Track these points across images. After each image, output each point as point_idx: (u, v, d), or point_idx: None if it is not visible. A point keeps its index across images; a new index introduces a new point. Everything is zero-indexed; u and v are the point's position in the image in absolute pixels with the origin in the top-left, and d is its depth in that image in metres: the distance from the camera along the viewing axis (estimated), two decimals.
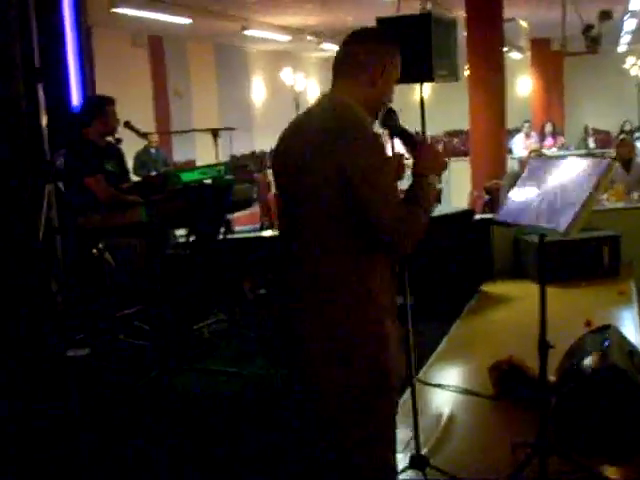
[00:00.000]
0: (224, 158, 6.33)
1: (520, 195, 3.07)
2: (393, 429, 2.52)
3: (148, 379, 4.91)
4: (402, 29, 6.07)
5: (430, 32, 5.81)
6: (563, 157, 3.27)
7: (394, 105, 2.63)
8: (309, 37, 15.58)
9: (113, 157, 5.68)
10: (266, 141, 17.44)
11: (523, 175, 3.18)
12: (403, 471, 3.25)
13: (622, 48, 19.66)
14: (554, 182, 2.90)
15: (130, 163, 6.66)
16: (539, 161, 3.90)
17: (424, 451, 3.41)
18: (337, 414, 2.43)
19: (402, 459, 3.32)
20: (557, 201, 2.78)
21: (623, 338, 3.84)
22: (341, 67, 2.54)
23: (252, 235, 8.20)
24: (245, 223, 9.97)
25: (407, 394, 3.60)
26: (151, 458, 4.01)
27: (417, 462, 3.32)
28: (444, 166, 2.53)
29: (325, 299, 2.37)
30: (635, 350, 3.79)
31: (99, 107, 5.60)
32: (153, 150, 10.98)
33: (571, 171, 2.82)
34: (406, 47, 6.72)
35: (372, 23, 6.91)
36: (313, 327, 2.38)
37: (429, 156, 2.50)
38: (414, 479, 3.31)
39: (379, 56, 2.48)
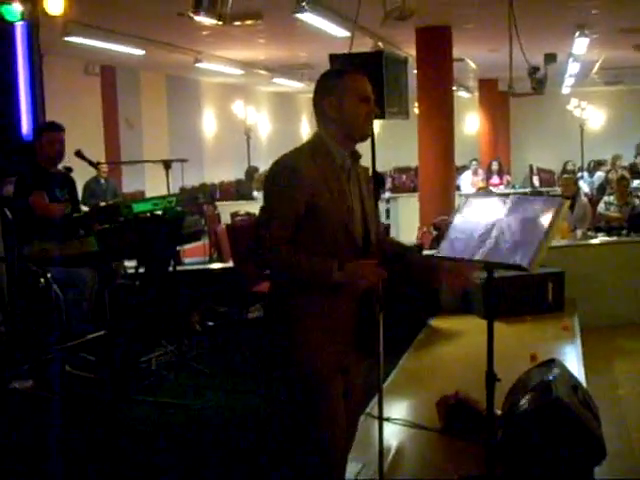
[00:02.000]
0: (174, 190, 6.31)
1: (464, 231, 3.08)
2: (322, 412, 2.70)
3: (95, 411, 4.84)
4: (354, 66, 6.22)
5: (382, 69, 5.91)
6: (508, 195, 3.33)
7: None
8: (261, 71, 15.68)
9: (65, 185, 5.63)
10: (216, 173, 17.44)
11: (466, 210, 3.19)
12: None
13: (566, 90, 20.19)
14: (505, 219, 2.95)
15: (79, 193, 6.60)
16: (483, 198, 3.97)
17: None
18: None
19: None
20: (513, 238, 2.84)
21: (567, 372, 3.92)
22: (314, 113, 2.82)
23: (201, 267, 8.18)
24: (194, 255, 9.92)
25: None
26: None
27: None
28: (364, 281, 2.63)
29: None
30: (579, 384, 3.87)
31: (38, 133, 5.59)
32: (103, 180, 10.90)
33: (524, 209, 2.89)
34: None
35: (325, 59, 6.97)
36: None
37: (357, 273, 2.62)
38: None
39: (328, 92, 2.73)
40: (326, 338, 2.68)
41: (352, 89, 2.72)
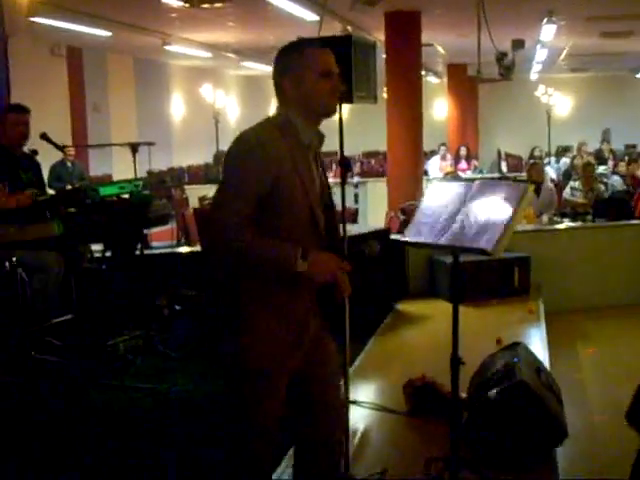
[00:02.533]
0: (142, 173, 6.27)
1: (430, 215, 3.11)
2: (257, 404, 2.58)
3: (62, 395, 4.82)
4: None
5: (350, 54, 5.92)
6: (475, 180, 3.35)
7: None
8: (230, 54, 15.58)
9: (30, 168, 5.57)
10: (185, 157, 17.35)
11: (432, 195, 3.21)
12: None
13: (534, 76, 20.33)
14: (471, 204, 2.99)
15: (45, 176, 6.53)
16: (449, 182, 4.00)
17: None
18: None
19: None
20: (478, 222, 2.87)
21: (531, 355, 3.97)
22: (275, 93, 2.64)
23: (168, 251, 8.13)
24: (161, 239, 9.87)
25: None
26: (66, 475, 3.95)
27: None
28: (326, 276, 2.51)
29: None
30: (542, 367, 3.93)
31: (1, 115, 5.51)
32: (69, 163, 10.79)
33: (489, 194, 2.92)
34: None
35: None
36: None
37: (320, 266, 2.49)
38: None
39: (286, 70, 2.56)
40: (276, 329, 2.54)
41: (312, 65, 2.54)
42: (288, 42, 2.64)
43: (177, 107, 17.86)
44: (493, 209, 2.84)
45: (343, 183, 3.28)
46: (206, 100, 18.09)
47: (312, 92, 2.54)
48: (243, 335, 2.54)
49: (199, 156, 17.45)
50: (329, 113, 2.63)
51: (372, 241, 5.23)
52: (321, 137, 2.65)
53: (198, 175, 16.51)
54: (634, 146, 21.49)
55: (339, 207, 2.97)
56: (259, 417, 2.60)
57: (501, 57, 10.41)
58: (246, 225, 2.43)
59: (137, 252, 5.96)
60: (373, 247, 4.83)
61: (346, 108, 6.47)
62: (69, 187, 7.13)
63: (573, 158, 16.28)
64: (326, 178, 2.74)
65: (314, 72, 2.54)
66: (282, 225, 2.51)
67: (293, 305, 2.58)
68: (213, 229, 2.48)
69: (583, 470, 4.00)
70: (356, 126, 17.07)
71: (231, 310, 2.56)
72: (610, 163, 16.46)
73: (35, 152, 5.66)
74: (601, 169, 14.82)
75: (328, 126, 2.78)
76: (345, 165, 3.23)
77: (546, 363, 4.46)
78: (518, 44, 11.59)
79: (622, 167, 14.59)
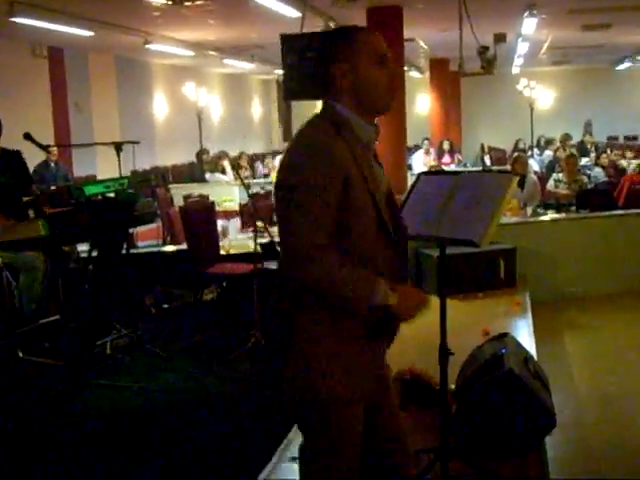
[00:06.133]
0: (125, 173, 6.25)
1: (417, 208, 3.13)
2: (343, 442, 2.27)
3: (51, 396, 4.81)
4: (307, 45, 6.22)
5: None
6: (459, 173, 3.37)
7: None
8: (212, 52, 15.55)
9: (7, 170, 5.53)
10: (168, 156, 17.30)
11: (419, 189, 3.23)
12: None
13: (515, 70, 20.41)
14: (456, 196, 3.00)
15: None
16: (435, 175, 4.01)
17: None
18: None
19: None
20: (464, 214, 2.89)
21: (519, 346, 4.00)
22: (320, 85, 2.34)
23: (154, 250, 8.13)
24: (147, 239, 9.86)
25: None
26: (56, 474, 3.94)
27: None
28: (410, 315, 2.31)
29: None
30: (530, 357, 3.96)
31: None
32: (52, 164, 10.73)
33: (474, 185, 2.94)
34: (309, 64, 6.86)
35: (276, 40, 6.97)
36: None
37: (408, 301, 2.28)
38: None
39: (336, 57, 2.25)
40: (352, 367, 2.23)
41: (366, 50, 2.23)
42: (335, 28, 2.32)
43: (160, 106, 17.81)
44: (478, 200, 2.86)
45: None
46: (189, 99, 18.04)
47: (367, 81, 2.24)
48: (316, 379, 2.20)
49: (183, 155, 17.41)
50: (386, 106, 2.31)
51: None
52: (378, 131, 2.35)
53: (182, 174, 16.48)
54: (616, 138, 21.65)
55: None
56: (346, 452, 2.28)
57: (483, 51, 10.46)
58: (324, 251, 2.10)
59: (123, 251, 5.96)
60: None
61: None
62: (53, 187, 7.11)
63: (556, 150, 16.36)
64: (385, 176, 2.43)
65: (369, 58, 2.24)
66: (352, 232, 2.18)
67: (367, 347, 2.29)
68: (290, 259, 2.16)
69: (571, 459, 4.04)
70: None
71: (298, 349, 2.22)
72: (592, 155, 16.56)
73: (17, 152, 5.64)
74: (584, 161, 14.91)
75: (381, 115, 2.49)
76: None
77: (533, 353, 4.49)
78: (500, 38, 11.64)
79: (604, 159, 14.68)
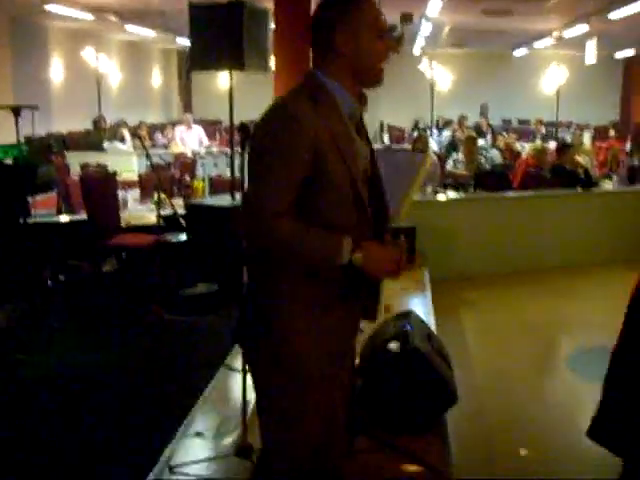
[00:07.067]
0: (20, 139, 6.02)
1: None
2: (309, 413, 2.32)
3: None
4: (214, 16, 6.10)
5: (242, 21, 5.82)
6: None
7: None
8: (112, 17, 15.10)
9: None
10: (65, 122, 16.76)
11: None
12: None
13: (417, 51, 20.67)
14: None
15: None
16: None
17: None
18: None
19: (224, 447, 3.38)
20: None
21: (422, 323, 4.09)
22: (312, 50, 2.29)
23: (51, 220, 7.89)
24: (40, 207, 9.54)
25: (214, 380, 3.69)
26: None
27: (242, 451, 3.38)
28: (384, 274, 2.31)
29: None
30: (432, 333, 4.06)
31: None
32: None
33: (387, 163, 2.96)
34: (218, 34, 6.71)
35: (181, 7, 6.79)
36: None
37: (378, 256, 2.25)
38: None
39: (341, 24, 2.21)
40: (323, 337, 2.24)
41: (371, 21, 2.23)
42: None
43: (57, 70, 17.20)
44: (392, 177, 2.89)
45: (243, 149, 3.25)
46: (88, 64, 17.49)
47: (367, 52, 2.23)
48: (286, 347, 2.22)
49: (80, 122, 16.90)
50: (378, 81, 2.32)
51: None
52: (365, 102, 2.34)
53: (79, 141, 15.99)
54: (509, 121, 22.28)
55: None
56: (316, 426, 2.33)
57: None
58: (284, 216, 2.11)
59: (20, 221, 5.76)
60: None
61: (236, 76, 6.41)
62: None
63: (454, 131, 16.71)
64: (372, 149, 2.41)
65: (372, 30, 2.23)
66: (323, 205, 2.19)
67: (339, 312, 2.30)
68: (249, 220, 2.15)
69: (470, 433, 4.18)
70: (246, 94, 16.92)
71: (268, 307, 2.23)
72: (489, 137, 16.99)
73: None
74: (480, 142, 15.27)
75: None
76: (244, 131, 3.19)
77: (433, 329, 4.60)
78: (407, 17, 11.75)
79: (501, 141, 15.08)
